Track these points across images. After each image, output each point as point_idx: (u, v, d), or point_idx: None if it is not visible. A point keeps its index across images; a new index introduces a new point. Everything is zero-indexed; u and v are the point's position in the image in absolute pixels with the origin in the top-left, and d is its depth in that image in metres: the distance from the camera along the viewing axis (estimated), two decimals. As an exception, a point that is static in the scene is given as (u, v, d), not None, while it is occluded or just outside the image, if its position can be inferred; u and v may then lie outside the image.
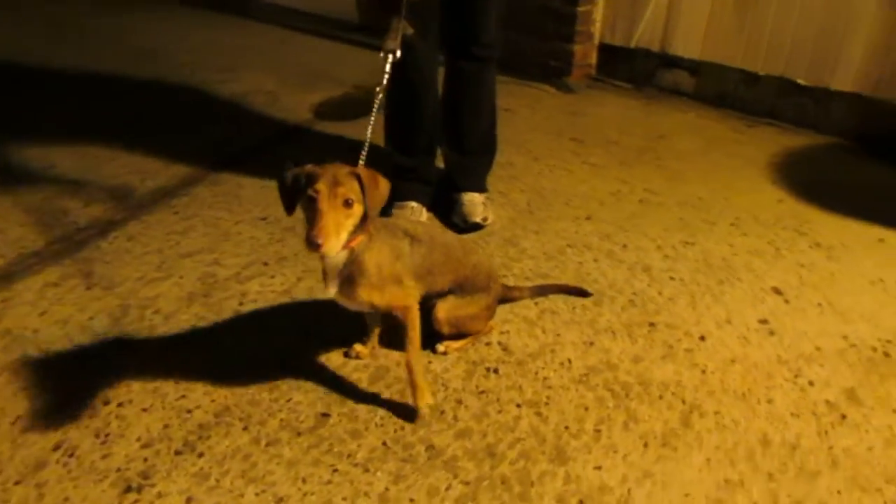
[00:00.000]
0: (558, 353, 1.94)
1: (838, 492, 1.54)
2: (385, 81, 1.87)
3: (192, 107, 3.49)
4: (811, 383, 1.82)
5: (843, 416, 1.72)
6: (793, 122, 3.07)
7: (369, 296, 1.70)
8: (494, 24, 2.26)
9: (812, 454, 1.63)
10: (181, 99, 3.57)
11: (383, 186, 1.61)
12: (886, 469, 1.59)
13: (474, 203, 2.45)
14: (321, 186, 1.50)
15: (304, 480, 1.61)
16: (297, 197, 1.54)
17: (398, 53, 1.91)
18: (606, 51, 3.49)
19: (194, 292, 2.20)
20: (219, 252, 2.40)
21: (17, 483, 1.60)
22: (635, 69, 3.44)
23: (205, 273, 2.30)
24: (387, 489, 1.59)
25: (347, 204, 1.52)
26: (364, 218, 1.58)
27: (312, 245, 1.46)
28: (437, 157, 2.56)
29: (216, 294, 2.19)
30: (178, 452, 1.69)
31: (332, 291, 1.71)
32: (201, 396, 1.84)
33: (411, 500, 1.56)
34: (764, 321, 2.03)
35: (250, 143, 3.12)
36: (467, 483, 1.59)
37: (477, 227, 2.43)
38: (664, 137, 3.05)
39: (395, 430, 1.72)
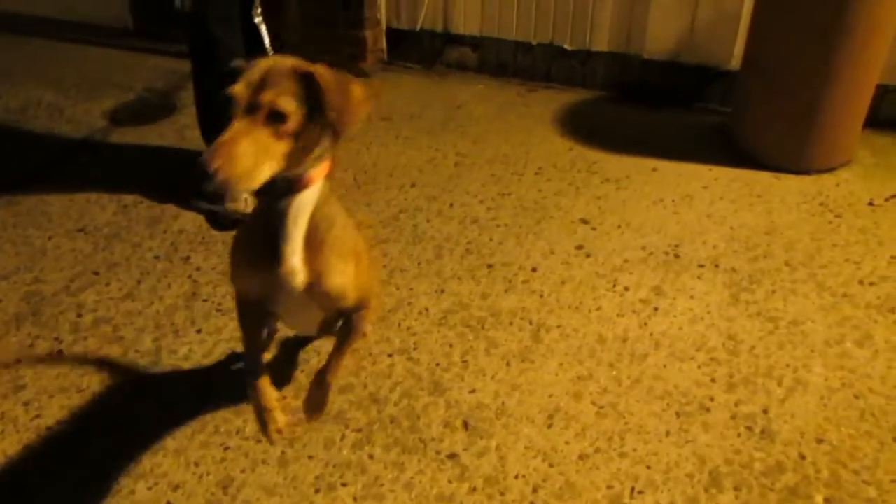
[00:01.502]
0: (415, 304, 2.09)
1: (664, 366, 1.86)
2: None
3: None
4: (626, 288, 2.15)
5: (656, 309, 2.06)
6: (565, 82, 3.48)
7: (348, 277, 1.26)
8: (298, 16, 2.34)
9: (639, 342, 1.94)
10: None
11: (357, 94, 1.12)
12: (695, 341, 1.94)
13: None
14: (239, 88, 1.06)
15: (196, 464, 1.61)
16: None
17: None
18: (395, 35, 3.68)
19: (20, 313, 2.04)
20: (38, 270, 2.22)
21: None
22: (423, 50, 3.67)
23: (27, 293, 2.13)
24: (283, 453, 1.64)
25: (275, 118, 1.05)
26: (320, 140, 1.13)
27: (201, 176, 0.99)
28: None
29: (47, 311, 2.05)
30: (48, 469, 1.60)
31: (295, 275, 1.20)
32: (58, 411, 1.75)
33: (310, 456, 1.63)
34: (580, 247, 2.33)
35: (43, 159, 2.88)
36: (359, 430, 1.69)
37: None
38: (461, 107, 3.31)
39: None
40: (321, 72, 1.10)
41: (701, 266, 2.24)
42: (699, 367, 1.86)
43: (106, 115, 3.22)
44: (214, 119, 2.38)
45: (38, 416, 1.72)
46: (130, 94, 3.43)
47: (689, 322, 2.02)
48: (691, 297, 2.11)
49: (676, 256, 2.28)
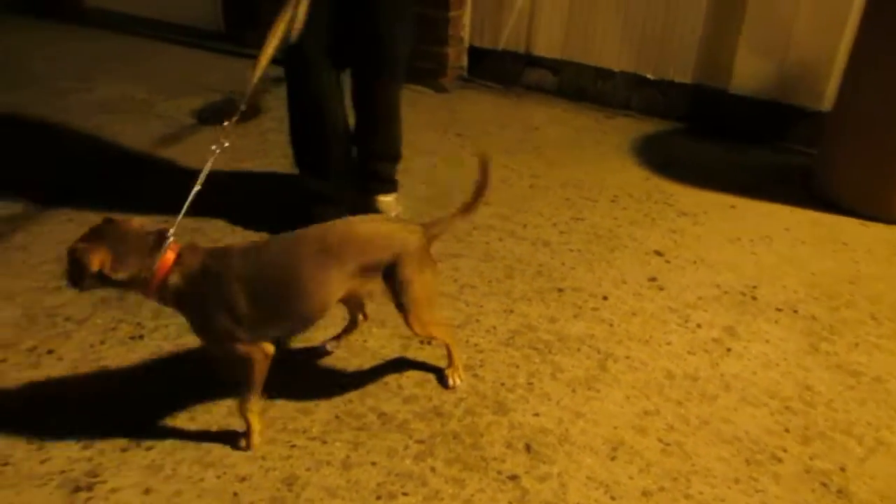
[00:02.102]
0: (483, 321, 2.10)
1: (735, 409, 1.81)
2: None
3: (62, 115, 3.30)
4: (699, 326, 2.10)
5: (728, 349, 2.01)
6: (645, 111, 3.45)
7: None
8: (400, 32, 2.32)
9: (709, 382, 1.90)
10: (49, 109, 3.37)
11: None
12: (768, 387, 1.89)
13: (389, 203, 2.52)
14: None
15: (263, 458, 1.65)
16: None
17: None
18: (476, 53, 3.72)
19: (106, 296, 2.13)
20: (122, 257, 2.32)
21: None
22: (503, 70, 3.70)
23: (112, 278, 2.22)
24: (348, 456, 1.66)
25: None
26: None
27: None
28: (350, 174, 2.52)
29: (130, 296, 2.13)
30: (123, 449, 1.65)
31: None
32: (137, 395, 1.80)
33: (373, 462, 1.64)
34: (652, 279, 2.30)
35: (136, 149, 3.02)
36: (422, 441, 1.70)
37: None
38: (537, 129, 3.32)
39: (345, 404, 1.79)
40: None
41: (778, 310, 2.17)
42: (772, 414, 1.80)
43: (193, 113, 3.35)
44: (307, 144, 2.42)
45: (118, 397, 1.79)
46: (217, 95, 3.56)
47: (762, 367, 1.96)
48: (766, 341, 2.05)
49: (753, 298, 2.23)
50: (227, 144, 1.77)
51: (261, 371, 1.62)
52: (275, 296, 1.58)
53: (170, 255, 1.55)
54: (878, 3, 2.53)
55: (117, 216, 1.64)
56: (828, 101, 2.97)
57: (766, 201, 2.76)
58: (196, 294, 1.55)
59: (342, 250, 1.61)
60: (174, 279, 1.54)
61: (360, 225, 1.70)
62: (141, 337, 1.99)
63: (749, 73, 3.14)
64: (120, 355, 1.93)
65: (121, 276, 1.51)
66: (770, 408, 1.83)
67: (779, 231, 2.57)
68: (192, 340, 1.95)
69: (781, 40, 3.01)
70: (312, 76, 2.28)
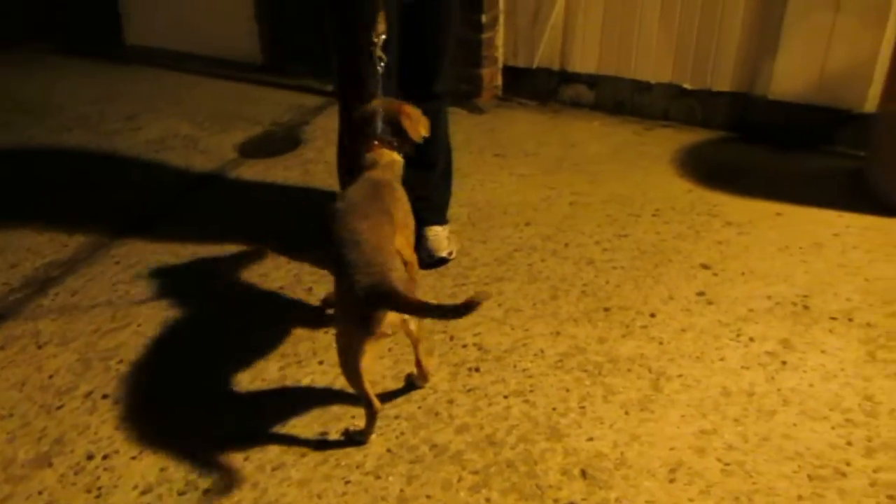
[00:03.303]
0: (530, 345, 2.09)
1: (794, 424, 1.77)
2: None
3: (111, 157, 3.41)
4: (752, 339, 2.07)
5: (784, 362, 1.97)
6: (684, 121, 3.42)
7: None
8: (449, 61, 2.34)
9: (766, 397, 1.86)
10: (98, 150, 3.48)
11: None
12: (828, 400, 1.84)
13: (439, 237, 2.49)
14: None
15: (318, 496, 1.67)
16: None
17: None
18: (510, 72, 3.73)
19: (162, 336, 2.18)
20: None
21: (21, 545, 1.56)
22: (538, 87, 3.70)
23: (165, 317, 2.28)
24: (402, 490, 1.66)
25: None
26: None
27: None
28: None
29: (185, 334, 2.19)
30: (181, 493, 1.69)
31: None
32: (191, 436, 1.84)
33: (428, 496, 1.65)
34: (701, 293, 2.27)
35: (181, 186, 3.11)
36: (476, 472, 1.70)
37: (443, 261, 2.45)
38: (576, 146, 3.31)
39: (397, 437, 1.80)
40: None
41: (833, 319, 2.12)
42: (833, 428, 1.76)
43: (236, 147, 3.43)
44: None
45: (174, 438, 1.83)
46: (258, 128, 3.64)
47: (820, 379, 1.91)
48: (823, 351, 2.01)
49: (806, 308, 2.18)
50: None
51: None
52: None
53: None
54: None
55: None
56: (871, 103, 2.91)
57: (814, 207, 2.70)
58: None
59: None
60: None
61: None
62: (196, 377, 2.04)
63: (789, 78, 3.08)
64: (175, 396, 1.98)
65: None
66: (831, 421, 1.78)
67: (828, 237, 2.51)
68: (243, 378, 2.01)
69: (821, 44, 2.95)
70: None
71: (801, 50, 3.01)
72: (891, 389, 1.86)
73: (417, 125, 1.97)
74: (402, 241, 1.84)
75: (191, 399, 1.96)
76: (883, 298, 2.19)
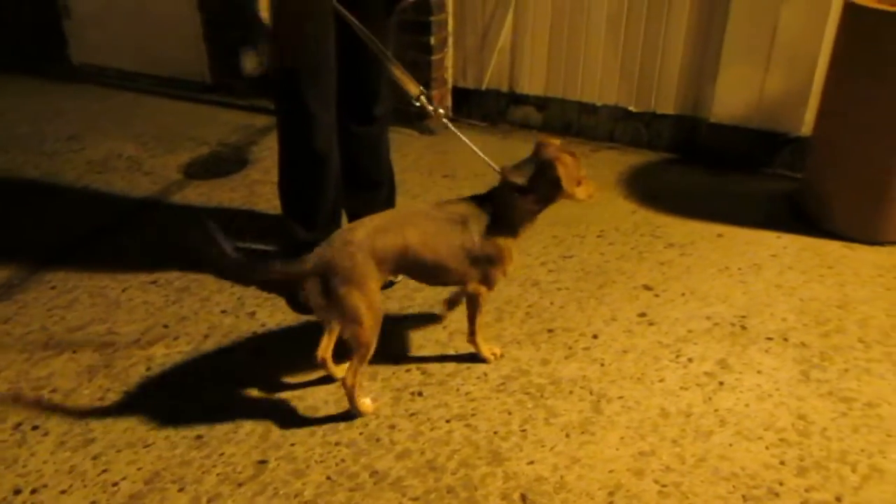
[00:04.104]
0: (474, 368, 2.09)
1: (730, 445, 1.80)
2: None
3: (50, 178, 3.32)
4: (690, 360, 2.10)
5: (721, 383, 2.01)
6: (630, 143, 3.48)
7: None
8: (388, 84, 2.34)
9: (703, 418, 1.89)
10: (36, 171, 3.39)
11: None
12: (763, 420, 1.88)
13: None
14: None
15: (256, 526, 1.63)
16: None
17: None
18: (460, 93, 3.77)
19: (94, 365, 2.12)
20: (111, 321, 2.32)
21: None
22: (488, 108, 3.74)
23: (101, 344, 2.22)
24: (341, 518, 1.64)
25: None
26: None
27: None
28: (340, 221, 2.49)
29: (118, 363, 2.13)
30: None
31: None
32: (125, 467, 1.79)
33: (367, 523, 1.63)
34: (643, 314, 2.30)
35: (123, 208, 3.03)
36: (416, 499, 1.68)
37: (390, 284, 2.44)
38: (523, 167, 3.34)
39: (337, 464, 1.78)
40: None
41: (769, 339, 2.17)
42: (767, 448, 1.79)
43: (181, 168, 3.38)
44: (302, 195, 2.35)
45: (105, 471, 1.77)
46: (205, 148, 3.59)
47: (756, 399, 1.95)
48: (759, 372, 2.05)
49: (743, 328, 2.22)
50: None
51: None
52: None
53: None
54: (845, 39, 2.57)
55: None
56: (807, 126, 3.01)
57: (754, 229, 2.77)
58: None
59: None
60: None
61: None
62: (129, 406, 1.98)
63: (730, 101, 3.17)
64: (107, 425, 1.92)
65: None
66: (765, 441, 1.82)
67: (766, 258, 2.58)
68: (181, 406, 1.96)
69: (758, 69, 3.04)
70: (318, 132, 2.22)
71: (739, 75, 3.10)
72: (823, 409, 1.91)
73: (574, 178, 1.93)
74: None
75: (123, 428, 1.90)
76: (816, 318, 2.25)
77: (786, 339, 2.17)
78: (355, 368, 1.83)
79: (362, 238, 1.78)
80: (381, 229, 1.83)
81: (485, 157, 2.05)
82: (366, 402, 1.93)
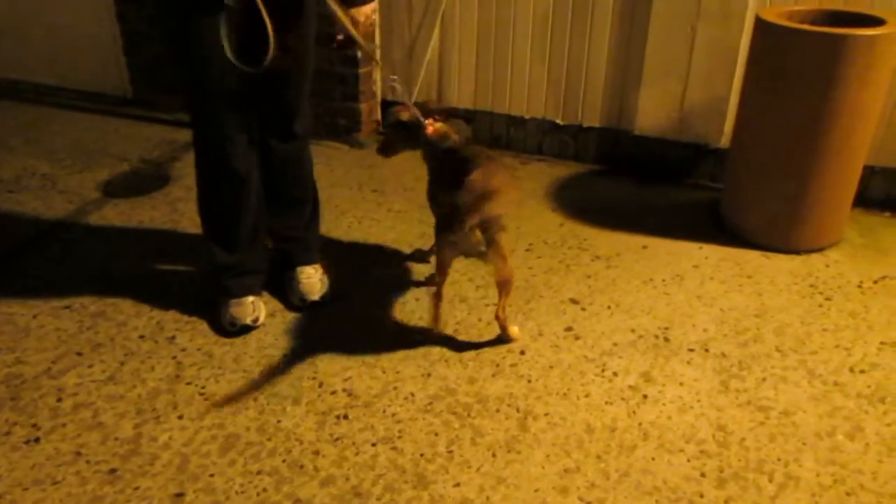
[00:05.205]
0: (401, 388, 2.06)
1: (653, 458, 1.83)
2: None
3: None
4: (615, 374, 2.12)
5: (645, 396, 2.04)
6: (557, 156, 3.53)
7: None
8: (307, 101, 2.30)
9: (627, 432, 1.91)
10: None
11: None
12: (684, 432, 1.91)
13: (312, 280, 2.41)
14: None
15: (171, 565, 1.56)
16: None
17: None
18: (390, 106, 3.73)
19: None
20: (20, 350, 2.20)
21: None
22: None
23: (7, 375, 2.10)
24: (261, 551, 1.59)
25: None
26: None
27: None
28: (263, 240, 2.44)
29: (26, 395, 2.02)
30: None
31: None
32: (31, 506, 1.70)
33: (288, 556, 1.58)
34: (569, 328, 2.32)
35: (35, 230, 2.89)
36: (340, 527, 1.65)
37: (317, 304, 2.39)
38: (454, 180, 3.34)
39: (258, 493, 1.72)
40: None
41: (691, 350, 2.22)
42: (688, 460, 1.82)
43: (99, 186, 3.24)
44: (220, 217, 2.30)
45: (9, 511, 1.68)
46: (125, 165, 3.47)
47: (677, 411, 1.99)
48: (681, 383, 2.09)
49: (666, 340, 2.26)
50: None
51: None
52: None
53: None
54: (756, 53, 2.65)
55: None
56: (726, 138, 3.10)
57: (677, 240, 2.83)
58: None
59: None
60: None
61: None
62: (37, 440, 1.88)
63: (652, 114, 3.24)
64: (13, 462, 1.81)
65: None
66: (686, 453, 1.85)
67: (689, 269, 2.64)
68: (94, 438, 1.87)
69: (679, 82, 3.13)
70: (234, 153, 2.15)
71: (661, 88, 3.18)
72: (741, 419, 1.95)
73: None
74: None
75: (30, 465, 1.80)
76: (735, 328, 2.31)
77: (706, 350, 2.22)
78: (505, 303, 2.17)
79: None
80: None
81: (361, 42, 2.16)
82: (514, 329, 2.25)
